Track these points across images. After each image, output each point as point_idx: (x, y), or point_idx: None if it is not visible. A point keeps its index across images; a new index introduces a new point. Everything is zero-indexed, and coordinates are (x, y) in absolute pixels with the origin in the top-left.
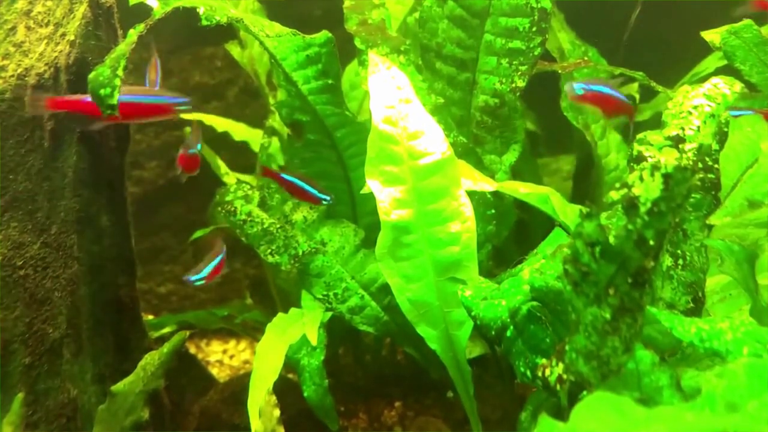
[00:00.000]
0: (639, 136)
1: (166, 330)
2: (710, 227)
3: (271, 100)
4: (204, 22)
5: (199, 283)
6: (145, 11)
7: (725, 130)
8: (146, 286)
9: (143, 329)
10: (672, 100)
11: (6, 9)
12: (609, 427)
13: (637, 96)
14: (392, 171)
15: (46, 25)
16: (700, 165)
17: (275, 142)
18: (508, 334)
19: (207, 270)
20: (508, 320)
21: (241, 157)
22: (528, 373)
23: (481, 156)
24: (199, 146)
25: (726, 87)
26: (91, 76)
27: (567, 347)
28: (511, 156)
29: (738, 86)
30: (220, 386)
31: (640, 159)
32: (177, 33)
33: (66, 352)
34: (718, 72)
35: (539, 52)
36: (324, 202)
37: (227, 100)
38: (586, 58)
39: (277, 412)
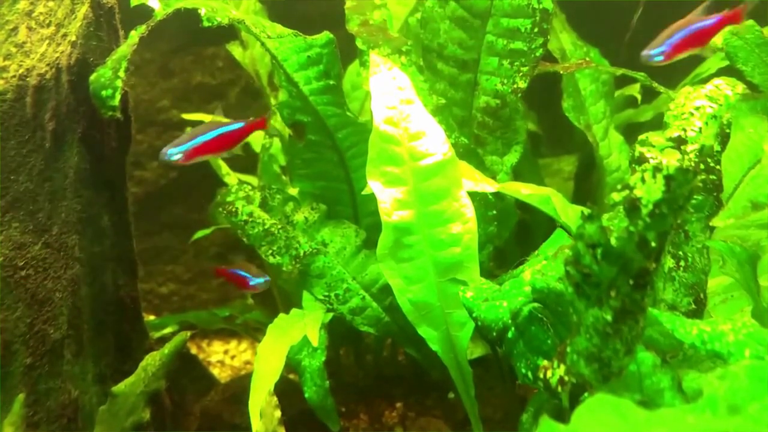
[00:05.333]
0: (641, 137)
1: (168, 330)
2: (712, 228)
3: (273, 101)
4: (205, 23)
5: (175, 157)
6: (146, 12)
7: (727, 131)
8: (147, 286)
9: (144, 330)
10: (674, 101)
11: (8, 9)
12: (610, 429)
13: (639, 97)
14: (393, 172)
15: (48, 25)
16: (701, 166)
17: (276, 142)
18: (510, 335)
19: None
20: (510, 321)
21: (242, 157)
22: (529, 374)
23: (483, 157)
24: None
25: (728, 88)
26: (92, 77)
27: (568, 349)
28: (513, 157)
29: (740, 87)
30: (221, 387)
31: (641, 160)
32: (178, 33)
33: (67, 353)
34: (720, 73)
35: (541, 53)
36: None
37: (228, 100)
38: (587, 59)
39: (278, 413)
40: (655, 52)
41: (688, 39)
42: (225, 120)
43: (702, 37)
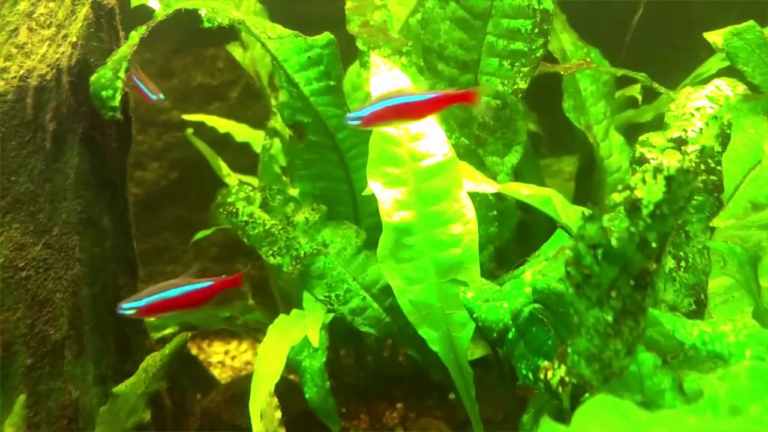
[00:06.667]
0: (641, 137)
1: (168, 331)
2: (713, 229)
3: (273, 102)
4: (206, 24)
5: (129, 312)
6: (147, 12)
7: (728, 132)
8: (148, 287)
9: (145, 330)
10: (674, 102)
11: (8, 10)
12: (611, 430)
13: (640, 97)
14: (394, 172)
15: (48, 26)
16: (702, 167)
17: (277, 143)
18: (510, 336)
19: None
20: (510, 322)
21: (242, 158)
22: (530, 375)
23: (483, 157)
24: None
25: (728, 89)
26: (92, 78)
27: (569, 350)
28: (513, 157)
29: (741, 88)
30: (222, 387)
31: (642, 161)
32: (179, 34)
33: (67, 354)
34: (720, 73)
35: (541, 53)
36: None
37: (229, 101)
38: (588, 60)
39: (278, 414)
40: (353, 115)
41: (395, 109)
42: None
43: (414, 109)
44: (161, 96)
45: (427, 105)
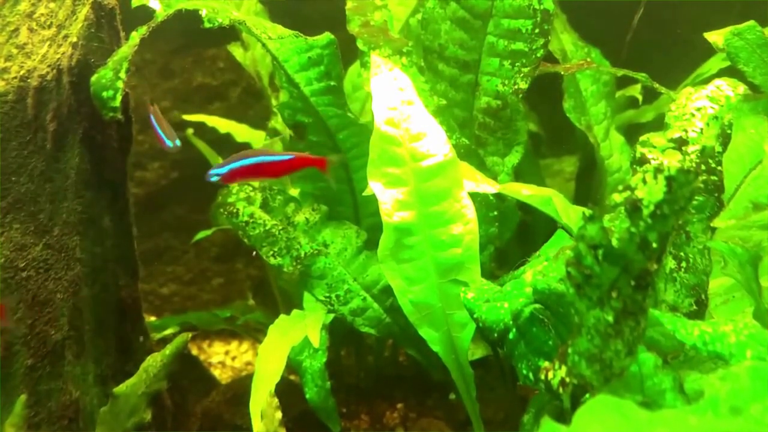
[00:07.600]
0: (642, 138)
1: (169, 331)
2: (713, 229)
3: (274, 102)
4: (206, 24)
5: None
6: (147, 12)
7: (728, 132)
8: (148, 287)
9: (145, 331)
10: (675, 102)
11: (9, 11)
12: (612, 430)
13: (640, 97)
14: (394, 173)
15: (49, 27)
16: (703, 167)
17: (277, 143)
18: (511, 336)
19: None
20: (511, 323)
21: None
22: (530, 375)
23: (484, 158)
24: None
25: (729, 89)
26: (93, 78)
27: (570, 350)
28: (514, 158)
29: (741, 88)
30: (222, 388)
31: (642, 161)
32: (179, 34)
33: (68, 354)
34: (721, 73)
35: (542, 53)
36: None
37: (230, 101)
38: (588, 60)
39: (279, 414)
40: (214, 171)
41: (252, 168)
42: None
43: (269, 169)
44: (178, 143)
45: (281, 166)
